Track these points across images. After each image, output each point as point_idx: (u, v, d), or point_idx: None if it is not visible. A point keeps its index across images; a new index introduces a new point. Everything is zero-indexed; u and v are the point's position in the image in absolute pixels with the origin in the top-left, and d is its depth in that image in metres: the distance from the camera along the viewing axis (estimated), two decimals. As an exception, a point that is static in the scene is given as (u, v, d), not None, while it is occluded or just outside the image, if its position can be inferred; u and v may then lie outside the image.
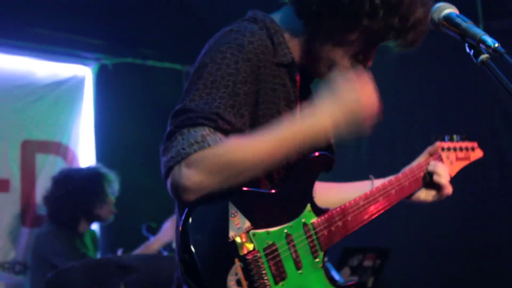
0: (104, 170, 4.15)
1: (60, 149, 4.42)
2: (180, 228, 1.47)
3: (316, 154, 1.65)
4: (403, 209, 2.06)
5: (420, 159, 1.97)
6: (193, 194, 1.40)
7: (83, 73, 4.81)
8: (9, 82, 4.37)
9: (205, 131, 1.40)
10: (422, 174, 1.92)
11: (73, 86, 4.81)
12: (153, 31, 5.01)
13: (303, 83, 1.75)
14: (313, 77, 1.79)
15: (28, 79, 4.49)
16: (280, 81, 1.61)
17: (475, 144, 2.11)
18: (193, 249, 1.43)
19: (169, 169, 1.37)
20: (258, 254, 1.47)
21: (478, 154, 2.11)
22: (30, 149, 4.32)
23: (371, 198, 1.82)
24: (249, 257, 1.45)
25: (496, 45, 1.39)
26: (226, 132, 1.43)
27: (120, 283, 3.32)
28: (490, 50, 1.40)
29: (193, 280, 1.43)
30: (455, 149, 2.05)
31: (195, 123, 1.41)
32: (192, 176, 1.38)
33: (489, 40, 1.41)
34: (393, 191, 1.87)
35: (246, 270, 1.47)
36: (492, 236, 4.08)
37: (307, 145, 1.51)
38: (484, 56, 1.41)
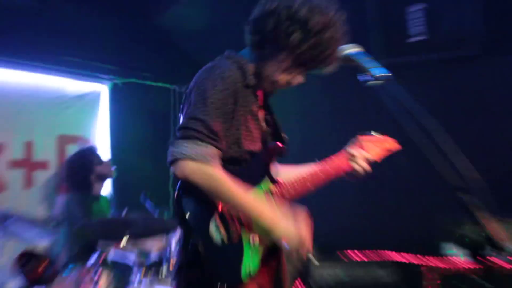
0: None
1: (84, 142, 5.20)
2: (176, 193, 1.89)
3: (272, 145, 2.11)
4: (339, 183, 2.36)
5: (348, 147, 2.31)
6: (187, 177, 1.80)
7: (101, 89, 5.67)
8: (48, 94, 5.19)
9: (208, 148, 1.77)
10: (347, 156, 2.27)
11: (93, 98, 5.63)
12: (151, 59, 5.80)
13: (264, 96, 2.11)
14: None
15: (61, 93, 5.30)
16: (248, 96, 1.96)
17: (387, 137, 2.40)
18: (188, 211, 1.87)
19: (176, 159, 1.76)
20: (229, 209, 1.90)
21: (394, 146, 2.41)
22: (63, 141, 5.15)
23: (313, 175, 2.17)
24: (223, 211, 1.86)
25: (378, 74, 1.83)
26: (219, 147, 1.83)
27: (125, 232, 3.99)
28: (375, 77, 1.83)
29: (190, 231, 1.89)
30: (371, 140, 2.34)
31: (202, 137, 1.77)
32: (189, 173, 1.77)
33: (376, 71, 1.85)
34: (328, 170, 2.21)
35: (223, 220, 1.86)
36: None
37: (253, 220, 1.90)
38: (372, 82, 1.84)
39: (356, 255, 4.65)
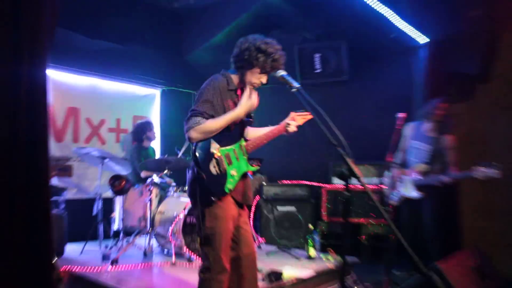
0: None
1: (145, 119, 6.72)
2: (193, 149, 2.80)
3: (246, 119, 2.95)
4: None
5: (286, 119, 3.07)
6: (195, 139, 2.73)
7: (156, 92, 7.46)
8: (128, 94, 7.09)
9: (199, 118, 2.69)
10: (285, 123, 3.04)
11: (152, 97, 7.49)
12: (182, 77, 7.43)
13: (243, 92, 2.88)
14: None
15: (135, 94, 7.23)
16: (230, 94, 2.86)
17: (307, 113, 3.04)
18: (198, 157, 2.78)
19: (188, 129, 2.68)
20: (221, 155, 2.81)
21: (308, 117, 3.06)
22: (135, 118, 6.99)
23: (267, 133, 3.02)
24: (217, 156, 2.79)
25: (298, 86, 2.63)
26: (207, 117, 2.69)
27: (166, 167, 5.32)
28: (295, 88, 2.64)
29: (199, 167, 2.77)
30: (298, 114, 3.06)
31: (196, 115, 2.69)
32: (194, 133, 2.69)
33: (295, 84, 2.64)
34: (275, 131, 3.04)
35: (216, 161, 2.80)
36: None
37: (233, 121, 2.77)
38: (293, 90, 2.63)
39: (285, 181, 6.55)
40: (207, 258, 2.84)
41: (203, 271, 2.87)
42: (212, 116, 2.76)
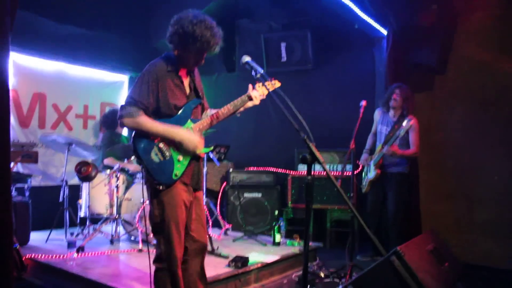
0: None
1: (114, 106, 6.88)
2: (132, 139, 2.71)
3: (194, 100, 2.85)
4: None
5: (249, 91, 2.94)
6: (127, 126, 2.68)
7: (124, 79, 7.38)
8: (95, 80, 6.90)
9: (134, 108, 2.61)
10: (248, 95, 2.90)
11: (120, 83, 7.38)
12: (149, 62, 7.05)
13: (188, 72, 2.86)
14: (189, 71, 2.84)
15: (103, 79, 7.05)
16: (169, 75, 2.72)
17: (274, 80, 2.94)
18: (137, 146, 2.68)
19: (121, 117, 2.62)
20: (163, 142, 2.70)
21: (277, 84, 2.92)
22: (103, 105, 6.94)
23: (222, 110, 2.88)
24: (158, 143, 2.70)
25: (262, 72, 2.62)
26: (143, 109, 2.62)
27: (132, 154, 5.18)
28: (259, 75, 2.63)
29: (139, 157, 2.70)
30: (263, 84, 2.79)
31: (131, 104, 2.61)
32: (127, 121, 2.62)
33: (259, 70, 2.63)
34: (232, 106, 2.90)
35: (158, 149, 2.70)
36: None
37: (168, 136, 2.67)
38: (258, 76, 2.62)
39: (252, 168, 6.55)
40: (159, 246, 2.74)
41: (156, 260, 2.77)
42: (146, 106, 2.67)
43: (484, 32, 5.23)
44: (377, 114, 5.33)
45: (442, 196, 5.48)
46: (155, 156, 2.67)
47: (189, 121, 2.80)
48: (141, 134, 2.69)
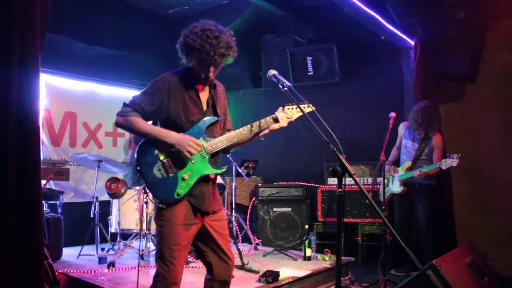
0: None
1: None
2: (136, 150, 2.55)
3: (211, 116, 2.65)
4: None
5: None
6: (119, 125, 2.55)
7: None
8: (124, 99, 5.34)
9: (129, 108, 2.50)
10: (274, 117, 2.75)
11: None
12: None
13: (208, 87, 2.69)
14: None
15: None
16: (183, 88, 2.56)
17: (310, 105, 2.76)
18: (138, 159, 2.50)
19: (116, 114, 2.54)
20: (168, 158, 2.52)
21: (310, 109, 2.72)
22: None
23: (241, 131, 2.69)
24: (162, 159, 2.50)
25: (289, 85, 2.58)
26: (140, 113, 2.49)
27: None
28: (287, 88, 2.58)
29: (140, 172, 2.51)
30: (293, 108, 2.78)
31: (128, 104, 2.52)
32: (120, 120, 2.52)
33: (286, 83, 2.59)
34: (256, 128, 2.72)
35: (162, 164, 2.51)
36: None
37: (158, 139, 2.49)
38: (285, 89, 2.58)
39: (281, 182, 6.50)
40: (157, 266, 2.55)
41: (154, 278, 2.55)
42: (145, 111, 2.52)
43: (515, 38, 5.08)
44: (402, 128, 5.27)
45: (478, 207, 5.33)
46: (157, 172, 2.49)
47: (201, 138, 2.60)
48: (145, 147, 2.53)
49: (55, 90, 6.21)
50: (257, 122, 2.73)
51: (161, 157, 2.50)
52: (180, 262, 2.52)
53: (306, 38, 6.79)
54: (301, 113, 2.73)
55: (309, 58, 6.51)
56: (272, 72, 2.68)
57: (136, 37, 6.52)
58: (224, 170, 2.68)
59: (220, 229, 2.68)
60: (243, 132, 2.68)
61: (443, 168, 4.50)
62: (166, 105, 2.51)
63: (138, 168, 2.50)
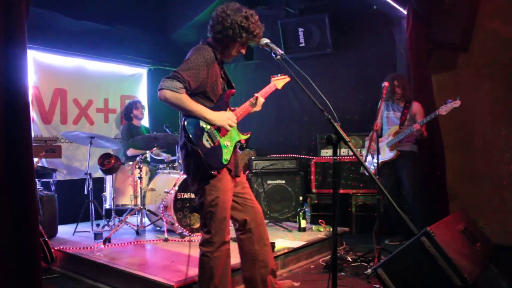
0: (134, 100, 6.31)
1: (133, 98, 6.83)
2: (182, 125, 2.66)
3: (228, 90, 2.90)
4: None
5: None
6: (165, 100, 2.56)
7: (142, 71, 7.35)
8: (115, 74, 6.91)
9: (180, 85, 2.53)
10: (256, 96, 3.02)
11: (139, 76, 7.35)
12: (168, 56, 7.29)
13: (221, 63, 2.86)
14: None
15: (122, 73, 7.05)
16: (216, 65, 2.75)
17: (286, 76, 3.14)
18: (189, 133, 2.62)
19: (165, 87, 2.52)
20: (211, 127, 2.71)
21: (287, 78, 3.14)
22: (123, 98, 6.92)
23: (243, 107, 2.96)
24: (208, 130, 2.69)
25: (282, 52, 2.67)
26: (187, 89, 2.57)
27: (154, 144, 5.25)
28: (279, 56, 2.66)
29: (192, 143, 2.63)
30: (278, 78, 3.14)
31: (179, 80, 2.52)
32: (169, 95, 2.53)
33: (279, 51, 2.68)
34: (248, 104, 3.01)
35: (208, 135, 2.69)
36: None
37: (200, 117, 2.67)
38: (278, 57, 2.65)
39: (274, 155, 6.43)
40: (209, 231, 2.76)
41: (203, 244, 2.79)
42: (190, 87, 2.63)
43: (508, 8, 5.07)
44: (381, 105, 5.17)
45: (470, 176, 5.35)
46: (206, 142, 2.67)
47: (228, 109, 2.86)
48: (192, 122, 2.68)
49: (43, 67, 6.12)
50: (254, 96, 3.04)
51: (206, 128, 2.69)
52: (228, 223, 2.83)
53: (298, 9, 6.69)
54: (286, 81, 3.11)
55: (300, 30, 6.40)
56: (265, 40, 2.75)
57: (126, 11, 6.42)
58: (249, 135, 2.97)
59: (246, 186, 3.04)
60: (249, 104, 2.99)
61: (444, 113, 4.47)
62: (205, 79, 2.67)
63: (190, 140, 2.64)
